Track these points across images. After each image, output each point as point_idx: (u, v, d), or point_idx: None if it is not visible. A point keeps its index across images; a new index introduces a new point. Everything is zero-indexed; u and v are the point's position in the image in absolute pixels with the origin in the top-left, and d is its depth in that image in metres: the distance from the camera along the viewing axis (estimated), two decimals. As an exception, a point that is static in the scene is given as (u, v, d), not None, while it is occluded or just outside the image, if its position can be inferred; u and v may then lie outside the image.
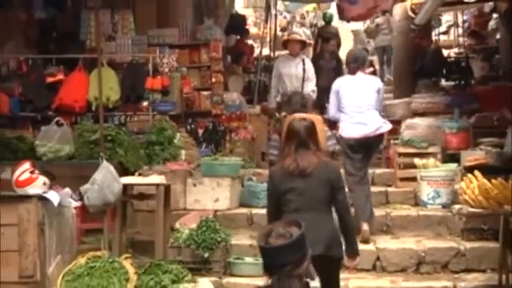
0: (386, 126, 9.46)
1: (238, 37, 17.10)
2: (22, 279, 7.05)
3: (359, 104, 9.30)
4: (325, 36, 17.01)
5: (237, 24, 17.07)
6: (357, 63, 9.62)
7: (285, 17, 24.36)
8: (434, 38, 17.85)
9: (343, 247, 6.51)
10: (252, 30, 20.10)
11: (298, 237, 4.42)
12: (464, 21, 20.04)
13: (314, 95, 12.13)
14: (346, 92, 9.43)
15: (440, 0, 12.78)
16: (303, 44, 13.00)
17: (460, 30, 20.45)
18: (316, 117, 7.72)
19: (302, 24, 25.04)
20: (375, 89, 9.47)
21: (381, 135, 9.52)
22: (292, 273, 4.60)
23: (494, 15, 16.33)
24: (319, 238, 6.27)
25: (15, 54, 12.45)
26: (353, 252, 6.56)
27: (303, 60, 12.36)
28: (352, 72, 9.64)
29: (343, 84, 9.58)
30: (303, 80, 12.06)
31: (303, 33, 18.85)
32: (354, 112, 9.29)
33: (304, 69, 12.16)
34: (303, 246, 4.47)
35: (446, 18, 21.79)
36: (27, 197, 7.16)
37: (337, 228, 6.76)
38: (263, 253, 4.55)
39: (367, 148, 9.40)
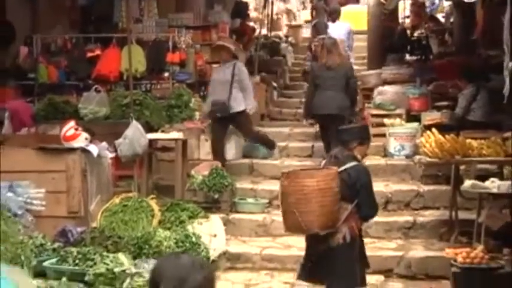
0: None
1: (241, 20, 17.00)
2: (70, 214, 7.16)
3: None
4: None
5: (240, 9, 16.91)
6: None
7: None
8: (400, 20, 17.74)
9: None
10: (253, 14, 19.93)
11: None
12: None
13: (252, 111, 10.28)
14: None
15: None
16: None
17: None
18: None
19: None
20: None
21: None
22: None
23: (449, 2, 16.28)
24: (335, 104, 9.53)
25: (62, 34, 12.41)
26: (355, 108, 10.09)
27: (234, 65, 9.97)
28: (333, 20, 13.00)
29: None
30: (231, 84, 9.78)
31: None
32: None
33: (233, 74, 9.88)
34: None
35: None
36: (72, 149, 7.25)
37: (347, 101, 9.73)
38: None
39: None
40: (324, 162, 6.27)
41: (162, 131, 9.09)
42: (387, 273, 7.19)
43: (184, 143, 9.05)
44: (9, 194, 6.75)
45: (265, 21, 17.87)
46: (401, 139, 10.03)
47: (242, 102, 9.82)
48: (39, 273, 6.07)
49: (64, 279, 5.98)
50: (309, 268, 5.70)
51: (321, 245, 5.67)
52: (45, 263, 6.18)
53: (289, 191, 5.64)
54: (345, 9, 16.39)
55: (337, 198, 5.63)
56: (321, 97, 9.70)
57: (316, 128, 10.87)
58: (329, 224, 5.56)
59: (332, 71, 9.74)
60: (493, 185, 7.20)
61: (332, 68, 9.76)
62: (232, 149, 10.16)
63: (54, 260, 6.24)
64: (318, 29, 12.67)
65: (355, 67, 12.21)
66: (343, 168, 5.79)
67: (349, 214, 5.69)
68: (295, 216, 5.55)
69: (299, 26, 21.88)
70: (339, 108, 9.46)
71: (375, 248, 7.60)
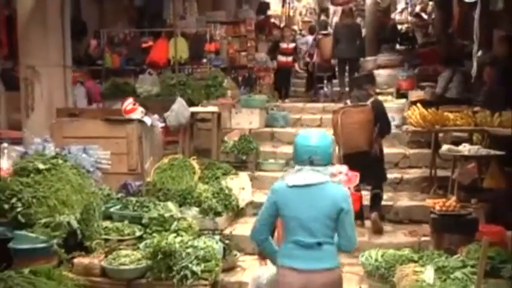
0: None
1: (264, 16, 16.88)
2: (129, 171, 7.22)
3: None
4: None
5: (263, 7, 16.75)
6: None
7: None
8: (392, 17, 17.54)
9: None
10: (274, 12, 19.78)
11: None
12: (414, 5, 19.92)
13: None
14: None
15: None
16: None
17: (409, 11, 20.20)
18: None
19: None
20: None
21: None
22: None
23: (431, 2, 16.12)
24: (350, 50, 11.29)
25: (122, 29, 12.44)
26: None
27: None
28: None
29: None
30: None
31: None
32: None
33: None
34: None
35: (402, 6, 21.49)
36: (131, 120, 7.29)
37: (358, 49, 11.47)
38: None
39: None
40: (349, 101, 7.49)
41: (201, 106, 9.10)
42: (380, 218, 7.17)
43: (219, 115, 9.04)
44: (84, 155, 6.82)
45: (283, 17, 17.73)
46: (392, 112, 9.90)
47: None
48: (107, 216, 6.16)
49: (126, 221, 6.08)
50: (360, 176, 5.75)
51: (364, 158, 6.54)
52: (112, 209, 6.27)
53: (345, 123, 6.65)
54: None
55: (373, 125, 6.71)
56: (341, 46, 11.69)
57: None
58: (369, 143, 6.67)
59: (347, 28, 11.75)
60: (465, 148, 7.17)
61: (347, 26, 11.82)
62: (256, 120, 10.13)
63: (118, 207, 6.33)
64: (321, 25, 14.27)
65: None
66: (369, 102, 6.84)
67: (376, 135, 6.77)
68: (351, 139, 6.60)
69: (310, 22, 21.68)
70: (353, 53, 11.78)
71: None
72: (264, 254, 4.10)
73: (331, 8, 19.76)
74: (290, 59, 12.82)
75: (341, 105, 7.90)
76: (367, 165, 6.45)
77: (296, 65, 12.87)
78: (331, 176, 3.75)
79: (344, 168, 5.40)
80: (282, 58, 12.73)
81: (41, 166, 5.97)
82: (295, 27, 20.03)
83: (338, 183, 3.81)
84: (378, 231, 6.77)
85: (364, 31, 16.19)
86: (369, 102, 6.91)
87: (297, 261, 3.63)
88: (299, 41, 14.10)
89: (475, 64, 6.66)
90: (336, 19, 16.67)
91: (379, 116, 6.87)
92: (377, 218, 6.80)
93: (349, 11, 12.65)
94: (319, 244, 3.62)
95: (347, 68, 12.18)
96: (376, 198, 6.93)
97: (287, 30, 13.24)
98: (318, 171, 3.66)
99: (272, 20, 17.64)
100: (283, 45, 12.76)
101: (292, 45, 12.85)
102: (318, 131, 3.88)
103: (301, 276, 3.62)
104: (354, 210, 3.77)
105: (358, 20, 17.63)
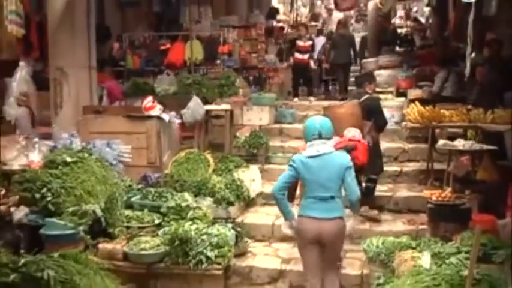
0: None
1: (273, 21, 16.80)
2: (149, 164, 7.22)
3: None
4: None
5: (272, 13, 16.68)
6: None
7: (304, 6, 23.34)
8: (392, 21, 17.43)
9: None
10: (282, 17, 19.69)
11: None
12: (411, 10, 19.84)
13: None
14: None
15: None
16: None
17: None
18: None
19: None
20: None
21: None
22: None
23: (428, 8, 16.00)
24: (345, 56, 12.11)
25: (142, 33, 12.44)
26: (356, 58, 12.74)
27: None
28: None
29: None
30: None
31: None
32: None
33: None
34: None
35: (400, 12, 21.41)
36: (150, 117, 7.28)
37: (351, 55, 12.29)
38: None
39: None
40: (348, 99, 7.86)
41: (215, 103, 9.08)
42: (381, 208, 7.16)
43: (231, 112, 9.03)
44: (107, 149, 6.86)
45: (291, 22, 17.67)
46: (392, 110, 9.90)
47: None
48: (128, 206, 6.19)
49: (146, 210, 6.11)
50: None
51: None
52: (133, 199, 6.30)
53: (331, 118, 6.33)
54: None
55: (360, 119, 6.69)
56: (337, 53, 12.29)
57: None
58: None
59: (342, 37, 12.40)
60: (459, 143, 7.13)
61: (342, 35, 12.46)
62: (266, 117, 10.12)
63: (138, 197, 6.36)
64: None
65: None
66: (361, 99, 6.96)
67: (370, 128, 6.84)
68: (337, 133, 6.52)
69: (315, 26, 21.57)
70: (347, 59, 12.39)
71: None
72: (279, 209, 4.77)
73: (324, 15, 19.68)
74: (306, 56, 12.53)
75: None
76: None
77: (311, 62, 12.64)
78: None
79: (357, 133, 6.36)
80: (298, 55, 12.55)
81: (69, 159, 6.02)
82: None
83: (341, 151, 4.87)
84: (372, 220, 6.75)
85: (366, 34, 16.21)
86: (362, 99, 6.98)
87: (314, 211, 4.55)
88: (316, 39, 13.86)
89: (468, 64, 6.65)
90: (330, 28, 16.64)
91: (372, 112, 6.91)
92: (367, 210, 6.79)
93: (344, 22, 13.21)
94: (332, 198, 4.54)
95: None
96: (365, 191, 6.86)
97: (303, 29, 12.93)
98: (324, 143, 4.63)
99: (280, 24, 17.60)
100: (300, 43, 12.56)
101: (308, 43, 12.58)
102: (321, 116, 4.97)
103: (316, 223, 4.52)
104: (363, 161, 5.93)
105: (360, 24, 17.63)
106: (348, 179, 4.55)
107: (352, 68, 13.16)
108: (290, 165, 4.66)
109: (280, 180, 4.66)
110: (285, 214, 4.74)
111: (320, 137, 4.61)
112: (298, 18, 18.67)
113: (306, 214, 4.59)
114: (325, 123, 4.72)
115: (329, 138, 4.70)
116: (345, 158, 4.67)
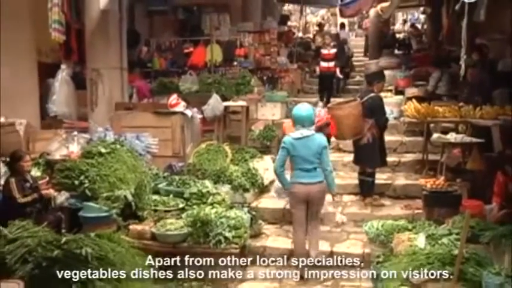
0: None
1: (285, 26, 16.70)
2: (174, 154, 7.22)
3: None
4: None
5: (283, 19, 16.62)
6: None
7: (316, 15, 23.06)
8: (392, 27, 17.29)
9: None
10: (292, 23, 19.60)
11: None
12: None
13: None
14: None
15: (396, 6, 12.46)
16: None
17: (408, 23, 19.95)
18: None
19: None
20: None
21: None
22: None
23: (423, 15, 15.87)
24: (343, 60, 11.42)
25: (168, 38, 12.45)
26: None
27: None
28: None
29: None
30: None
31: None
32: None
33: None
34: None
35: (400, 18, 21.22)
36: (175, 112, 7.28)
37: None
38: None
39: None
40: (357, 96, 7.42)
41: (233, 100, 9.07)
42: (381, 194, 7.11)
43: (247, 108, 9.00)
44: (137, 141, 6.89)
45: (300, 28, 17.58)
46: (391, 106, 9.78)
47: None
48: (155, 191, 6.21)
49: (171, 195, 6.13)
50: (354, 158, 7.05)
51: (357, 143, 6.79)
52: (159, 185, 6.32)
53: (332, 116, 6.61)
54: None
55: (359, 119, 6.60)
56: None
57: None
58: (357, 133, 6.66)
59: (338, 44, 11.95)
60: (452, 137, 7.11)
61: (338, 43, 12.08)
62: (278, 112, 10.08)
63: (164, 184, 6.37)
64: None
65: (360, 58, 12.49)
66: (365, 98, 6.75)
67: (371, 125, 6.67)
68: (338, 130, 6.62)
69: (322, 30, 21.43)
70: (342, 64, 12.00)
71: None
72: (279, 181, 5.48)
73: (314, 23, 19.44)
74: (332, 64, 11.42)
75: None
76: (358, 148, 6.80)
77: (337, 70, 11.60)
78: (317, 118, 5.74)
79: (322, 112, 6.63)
80: (323, 64, 11.51)
81: (103, 150, 6.06)
82: (310, 36, 19.85)
83: (319, 134, 5.40)
84: (379, 206, 6.75)
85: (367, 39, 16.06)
86: (365, 98, 6.75)
87: (302, 178, 5.21)
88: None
89: (463, 66, 6.59)
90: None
91: (374, 110, 6.67)
92: (376, 199, 6.84)
93: (330, 40, 12.07)
94: (315, 168, 5.20)
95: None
96: (360, 183, 6.89)
97: (328, 38, 11.97)
98: (308, 129, 5.23)
99: (291, 29, 17.51)
100: (324, 51, 11.57)
101: (333, 51, 11.49)
102: (305, 105, 5.37)
103: (305, 187, 5.20)
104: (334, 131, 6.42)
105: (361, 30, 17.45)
106: (323, 155, 5.18)
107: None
108: (282, 147, 5.27)
109: (278, 159, 5.30)
110: (285, 185, 5.37)
111: (303, 126, 5.21)
112: (307, 25, 18.57)
113: (297, 181, 5.24)
114: (309, 112, 5.26)
115: (310, 125, 5.26)
116: (322, 139, 5.26)
